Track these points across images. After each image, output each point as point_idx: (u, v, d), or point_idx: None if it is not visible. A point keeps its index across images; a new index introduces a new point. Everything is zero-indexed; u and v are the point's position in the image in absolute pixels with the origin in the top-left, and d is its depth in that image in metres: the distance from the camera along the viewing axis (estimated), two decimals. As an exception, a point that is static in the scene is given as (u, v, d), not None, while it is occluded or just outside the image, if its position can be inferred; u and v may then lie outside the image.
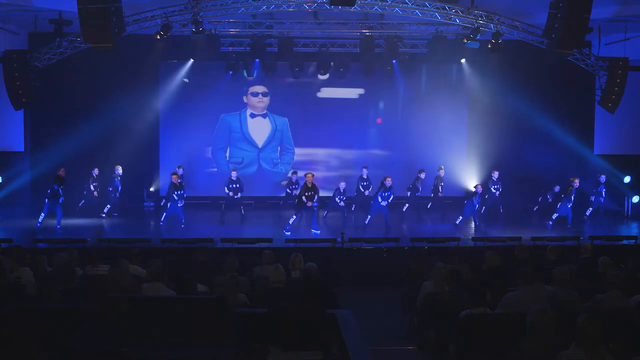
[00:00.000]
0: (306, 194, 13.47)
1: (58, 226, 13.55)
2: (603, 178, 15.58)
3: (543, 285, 6.71)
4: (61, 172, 14.00)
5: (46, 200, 13.65)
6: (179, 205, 13.94)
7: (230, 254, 9.03)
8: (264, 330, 5.31)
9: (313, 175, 13.81)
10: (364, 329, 5.34)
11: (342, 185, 15.07)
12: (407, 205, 15.92)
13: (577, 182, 14.47)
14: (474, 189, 14.51)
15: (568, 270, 6.79)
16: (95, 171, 15.63)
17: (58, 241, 11.64)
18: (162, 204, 15.96)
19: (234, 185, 15.09)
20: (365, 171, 15.95)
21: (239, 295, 6.78)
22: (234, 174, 15.21)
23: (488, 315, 6.09)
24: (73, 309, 5.60)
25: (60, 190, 13.64)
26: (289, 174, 16.69)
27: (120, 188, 15.65)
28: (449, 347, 6.33)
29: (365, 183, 15.81)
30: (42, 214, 13.62)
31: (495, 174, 15.88)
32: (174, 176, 14.15)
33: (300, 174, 15.67)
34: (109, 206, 15.54)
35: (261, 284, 7.78)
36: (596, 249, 9.34)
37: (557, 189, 15.80)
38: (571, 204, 14.31)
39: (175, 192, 13.91)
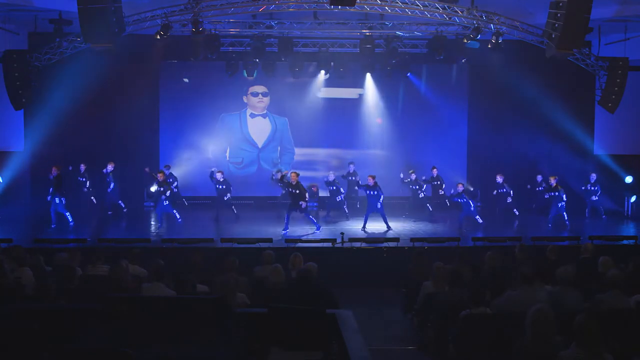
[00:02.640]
0: (290, 190, 13.43)
1: (71, 223, 13.80)
2: (593, 177, 15.68)
3: (543, 285, 6.70)
4: (54, 171, 14.00)
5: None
6: (164, 204, 13.79)
7: (230, 254, 9.03)
8: (264, 330, 5.31)
9: (297, 175, 13.66)
10: (364, 329, 5.34)
11: (331, 176, 15.28)
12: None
13: (553, 181, 14.24)
14: (458, 189, 14.45)
15: (571, 269, 6.77)
16: (82, 167, 15.59)
17: (58, 241, 11.63)
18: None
19: (221, 187, 15.18)
20: (351, 167, 16.38)
21: (238, 294, 6.78)
22: (219, 176, 15.25)
23: (488, 315, 6.08)
24: (73, 309, 5.60)
25: (53, 190, 13.71)
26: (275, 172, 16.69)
27: (112, 185, 15.69)
28: (449, 347, 6.32)
29: (352, 178, 16.12)
30: (66, 214, 13.82)
31: (499, 178, 15.74)
32: (160, 174, 14.07)
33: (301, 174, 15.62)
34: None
35: (261, 284, 7.78)
36: (596, 249, 9.33)
37: (539, 178, 15.76)
38: (562, 203, 14.20)
39: (158, 189, 13.83)
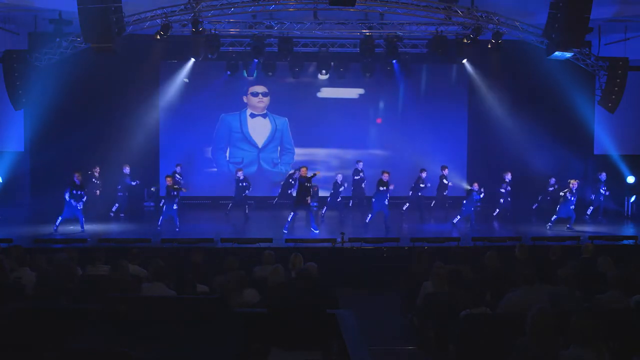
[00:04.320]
0: (306, 184, 13.37)
1: (82, 229, 13.51)
2: (603, 176, 15.56)
3: (543, 285, 6.70)
4: (76, 178, 13.84)
5: (65, 206, 13.63)
6: (174, 208, 13.67)
7: (230, 254, 9.03)
8: (264, 330, 5.30)
9: (307, 168, 13.72)
10: (364, 329, 5.33)
11: (339, 177, 15.17)
12: (407, 204, 15.88)
13: (575, 184, 14.20)
14: (470, 187, 14.52)
15: (572, 270, 6.76)
16: (97, 170, 15.61)
17: (58, 241, 11.63)
18: (161, 204, 15.90)
19: (242, 184, 15.20)
20: (360, 165, 16.05)
21: (247, 291, 6.78)
22: (240, 174, 15.32)
23: (488, 315, 6.08)
24: (73, 309, 5.59)
25: (75, 193, 13.55)
26: (291, 171, 16.74)
27: (132, 185, 15.80)
28: (449, 347, 6.32)
29: (360, 175, 15.90)
30: (59, 218, 13.47)
31: (508, 176, 15.59)
32: (168, 179, 13.98)
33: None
34: (117, 205, 15.70)
35: (261, 284, 7.77)
36: (596, 249, 9.34)
37: (552, 181, 15.74)
38: (573, 206, 14.25)
39: (171, 192, 13.69)
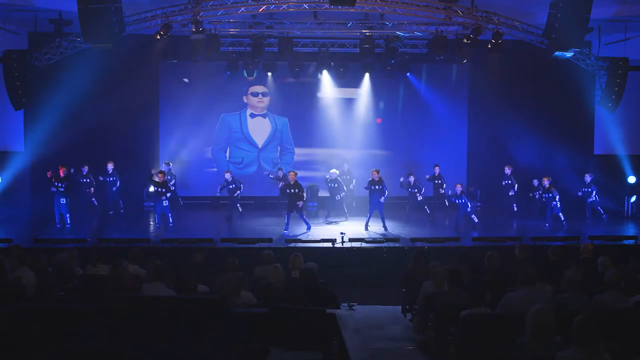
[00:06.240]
0: (288, 191, 13.45)
1: (67, 225, 13.58)
2: (587, 178, 15.60)
3: (544, 285, 6.69)
4: (60, 172, 13.81)
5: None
6: (164, 204, 13.50)
7: (230, 254, 9.03)
8: (264, 330, 5.31)
9: (296, 174, 13.75)
10: (364, 329, 5.34)
11: (333, 174, 15.32)
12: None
13: (546, 182, 14.34)
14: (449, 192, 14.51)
15: (577, 273, 6.72)
16: (85, 168, 15.59)
17: (58, 241, 11.63)
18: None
19: (231, 186, 15.14)
20: (346, 166, 16.56)
21: (243, 293, 6.78)
22: (227, 176, 15.22)
23: (488, 315, 6.08)
24: (73, 309, 5.60)
25: (59, 188, 13.53)
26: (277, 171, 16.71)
27: (116, 183, 15.81)
28: (449, 347, 6.32)
29: (347, 177, 16.19)
30: (67, 216, 13.62)
31: (508, 170, 15.63)
32: (160, 175, 13.84)
33: (301, 174, 15.62)
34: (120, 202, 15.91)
35: (262, 284, 7.77)
36: (596, 249, 9.32)
37: (535, 182, 15.73)
38: (555, 203, 14.23)
39: (157, 189, 13.56)
